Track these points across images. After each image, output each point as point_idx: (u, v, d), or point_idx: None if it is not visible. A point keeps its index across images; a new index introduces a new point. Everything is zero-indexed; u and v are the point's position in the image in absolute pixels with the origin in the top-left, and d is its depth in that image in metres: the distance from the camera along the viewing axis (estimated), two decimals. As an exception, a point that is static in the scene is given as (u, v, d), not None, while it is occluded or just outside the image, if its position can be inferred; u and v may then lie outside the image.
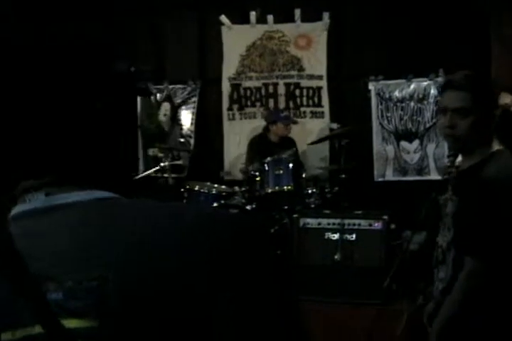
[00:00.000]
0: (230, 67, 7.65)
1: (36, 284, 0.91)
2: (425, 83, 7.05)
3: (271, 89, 7.61)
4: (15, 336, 0.91)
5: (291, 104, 7.53)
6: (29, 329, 0.90)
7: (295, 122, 6.94)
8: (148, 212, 0.99)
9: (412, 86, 7.10)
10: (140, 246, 0.92)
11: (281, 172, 5.94)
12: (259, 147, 6.62)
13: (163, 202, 1.02)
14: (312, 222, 5.46)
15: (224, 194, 6.15)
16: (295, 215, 5.55)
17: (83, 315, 0.90)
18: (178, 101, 7.82)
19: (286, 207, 5.82)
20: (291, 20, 7.48)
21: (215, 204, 5.90)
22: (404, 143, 7.16)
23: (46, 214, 0.98)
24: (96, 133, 1.05)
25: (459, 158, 2.77)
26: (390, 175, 7.17)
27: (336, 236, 5.34)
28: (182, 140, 7.76)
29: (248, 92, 7.65)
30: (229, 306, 0.89)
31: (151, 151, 7.71)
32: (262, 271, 0.94)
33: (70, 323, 0.90)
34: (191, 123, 7.80)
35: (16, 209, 1.01)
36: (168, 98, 7.82)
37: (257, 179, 5.99)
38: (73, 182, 1.02)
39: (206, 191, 6.16)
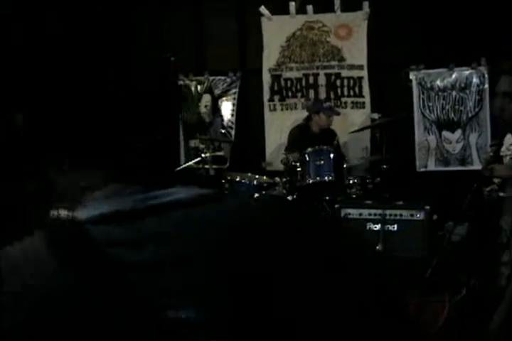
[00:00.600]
0: (270, 58, 7.65)
1: (149, 302, 0.79)
2: (467, 72, 6.96)
3: (311, 79, 7.59)
4: None
5: (331, 95, 7.51)
6: None
7: (338, 113, 6.88)
8: (244, 207, 0.93)
9: (454, 75, 7.02)
10: (247, 246, 0.84)
11: (322, 162, 5.92)
12: (300, 138, 6.61)
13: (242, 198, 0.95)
14: (353, 212, 5.47)
15: (265, 185, 6.17)
16: (336, 206, 5.57)
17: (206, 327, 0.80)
18: (219, 92, 7.85)
19: (327, 198, 5.81)
20: (331, 10, 7.44)
21: (256, 195, 5.92)
22: (446, 133, 7.09)
23: (141, 216, 0.85)
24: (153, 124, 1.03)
25: (503, 148, 2.76)
26: (432, 166, 7.11)
27: (378, 226, 5.34)
28: (223, 131, 7.80)
29: (289, 83, 7.64)
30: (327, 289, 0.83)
31: (192, 143, 7.78)
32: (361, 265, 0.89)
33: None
34: (232, 115, 7.82)
35: (92, 210, 0.87)
36: (209, 89, 7.86)
37: (298, 169, 5.99)
38: (138, 178, 0.96)
39: (247, 182, 6.19)
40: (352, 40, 7.43)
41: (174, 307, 0.79)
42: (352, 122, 7.25)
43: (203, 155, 6.47)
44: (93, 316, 0.79)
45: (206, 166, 6.47)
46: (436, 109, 7.10)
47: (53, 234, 0.86)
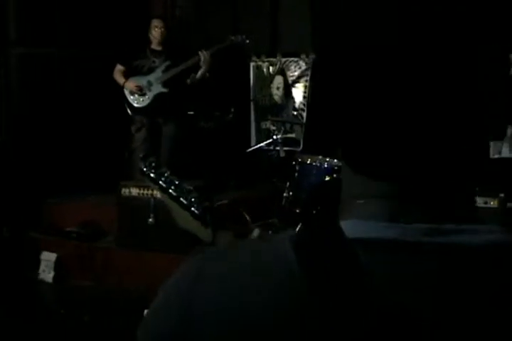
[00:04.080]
0: (343, 40, 7.59)
1: None
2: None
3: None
4: None
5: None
6: None
7: None
8: None
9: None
10: None
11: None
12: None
13: None
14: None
15: (336, 168, 6.16)
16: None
17: None
18: (291, 74, 7.86)
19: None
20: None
21: (326, 178, 5.93)
22: (521, 119, 6.96)
23: (424, 253, 0.71)
24: None
25: None
26: (506, 152, 6.98)
27: (450, 213, 5.30)
28: (295, 113, 7.82)
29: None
30: None
31: (263, 124, 7.83)
32: None
33: None
34: (304, 97, 7.83)
35: (359, 230, 0.74)
36: (281, 71, 7.87)
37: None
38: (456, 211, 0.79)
39: (318, 164, 6.18)
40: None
41: None
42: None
43: (274, 136, 6.51)
44: None
45: (277, 148, 6.51)
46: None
47: (308, 246, 0.74)
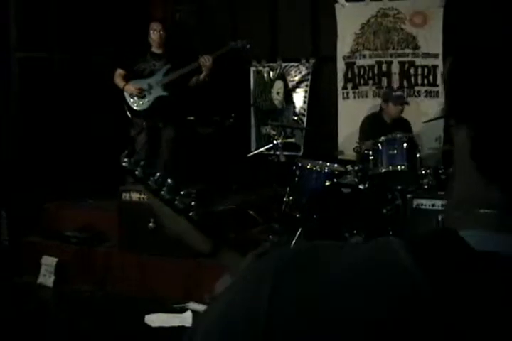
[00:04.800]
0: (344, 46, 7.63)
1: None
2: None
3: (384, 67, 7.54)
4: None
5: (405, 83, 7.44)
6: None
7: (406, 103, 6.73)
8: None
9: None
10: None
11: (395, 151, 5.89)
12: (372, 126, 6.58)
13: None
14: (426, 203, 5.44)
15: (336, 172, 6.17)
16: (408, 196, 5.54)
17: None
18: (291, 79, 7.88)
19: (399, 188, 5.79)
20: (407, -4, 7.37)
21: (327, 183, 5.94)
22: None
23: None
24: None
25: None
26: (508, 156, 6.99)
27: (450, 218, 5.29)
28: (295, 118, 7.83)
29: (362, 71, 7.62)
30: None
31: (263, 129, 7.84)
32: None
33: None
34: (304, 102, 7.85)
35: (479, 240, 0.68)
36: (282, 76, 7.89)
37: (371, 158, 5.98)
38: None
39: (318, 169, 6.18)
40: (427, 27, 7.33)
41: None
42: (425, 111, 7.18)
43: (274, 141, 6.51)
44: None
45: (277, 153, 6.51)
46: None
47: (430, 256, 0.68)
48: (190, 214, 1.58)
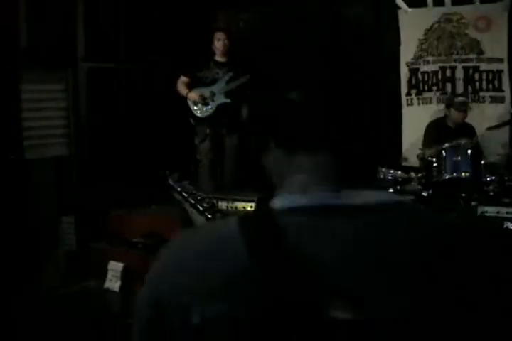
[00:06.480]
0: (407, 52, 7.57)
1: (316, 298, 0.83)
2: None
3: (448, 73, 7.46)
4: None
5: (469, 88, 7.34)
6: None
7: (468, 108, 6.67)
8: (441, 221, 0.98)
9: None
10: (444, 255, 0.88)
11: (459, 158, 5.84)
12: (436, 132, 6.53)
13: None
14: (491, 210, 5.36)
15: (400, 180, 6.14)
16: (473, 203, 5.47)
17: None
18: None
19: (463, 195, 5.72)
20: (470, 1, 7.27)
21: (390, 190, 5.91)
22: None
23: (332, 214, 0.90)
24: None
25: None
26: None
27: (515, 225, 5.21)
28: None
29: (425, 77, 7.55)
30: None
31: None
32: None
33: None
34: (367, 108, 7.81)
35: (287, 202, 0.94)
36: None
37: (434, 165, 5.93)
38: (358, 178, 0.98)
39: (381, 176, 6.17)
40: (492, 32, 7.22)
41: (336, 308, 0.82)
42: (490, 117, 7.06)
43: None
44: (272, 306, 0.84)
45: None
46: None
47: (247, 219, 0.95)
48: None
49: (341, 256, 0.86)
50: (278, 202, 0.95)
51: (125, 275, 6.15)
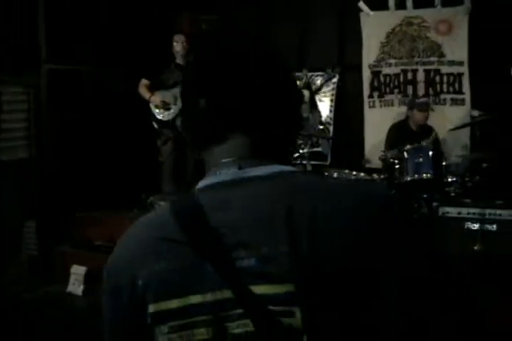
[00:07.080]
0: (370, 54, 7.65)
1: (225, 252, 1.04)
2: None
3: (410, 75, 7.55)
4: (205, 299, 1.04)
5: (430, 91, 7.44)
6: (218, 294, 1.04)
7: (430, 109, 6.76)
8: (329, 183, 1.14)
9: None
10: (329, 214, 1.02)
11: (420, 160, 5.89)
12: (398, 134, 6.58)
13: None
14: (452, 211, 5.42)
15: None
16: (434, 204, 5.53)
17: (276, 280, 1.00)
18: (316, 88, 7.90)
19: (425, 196, 5.77)
20: (431, 5, 7.36)
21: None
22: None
23: (233, 186, 1.12)
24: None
25: None
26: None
27: (476, 226, 5.28)
28: (321, 127, 7.85)
29: (387, 79, 7.62)
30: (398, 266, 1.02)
31: (289, 138, 7.84)
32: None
33: (259, 289, 1.01)
34: (330, 111, 7.87)
35: (205, 182, 1.17)
36: (307, 85, 7.92)
37: (397, 167, 5.98)
38: (262, 157, 1.16)
39: (343, 177, 6.20)
40: (452, 35, 7.32)
41: (241, 258, 1.03)
42: (451, 119, 7.14)
43: (300, 151, 6.54)
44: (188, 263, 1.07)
45: (304, 162, 6.53)
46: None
47: (177, 200, 1.18)
48: None
49: (239, 218, 1.06)
50: (200, 184, 1.17)
51: (88, 279, 6.09)
